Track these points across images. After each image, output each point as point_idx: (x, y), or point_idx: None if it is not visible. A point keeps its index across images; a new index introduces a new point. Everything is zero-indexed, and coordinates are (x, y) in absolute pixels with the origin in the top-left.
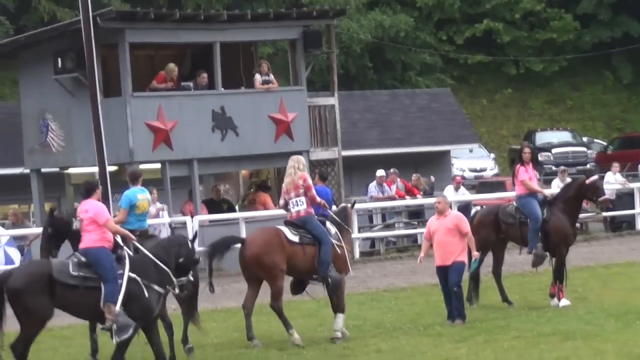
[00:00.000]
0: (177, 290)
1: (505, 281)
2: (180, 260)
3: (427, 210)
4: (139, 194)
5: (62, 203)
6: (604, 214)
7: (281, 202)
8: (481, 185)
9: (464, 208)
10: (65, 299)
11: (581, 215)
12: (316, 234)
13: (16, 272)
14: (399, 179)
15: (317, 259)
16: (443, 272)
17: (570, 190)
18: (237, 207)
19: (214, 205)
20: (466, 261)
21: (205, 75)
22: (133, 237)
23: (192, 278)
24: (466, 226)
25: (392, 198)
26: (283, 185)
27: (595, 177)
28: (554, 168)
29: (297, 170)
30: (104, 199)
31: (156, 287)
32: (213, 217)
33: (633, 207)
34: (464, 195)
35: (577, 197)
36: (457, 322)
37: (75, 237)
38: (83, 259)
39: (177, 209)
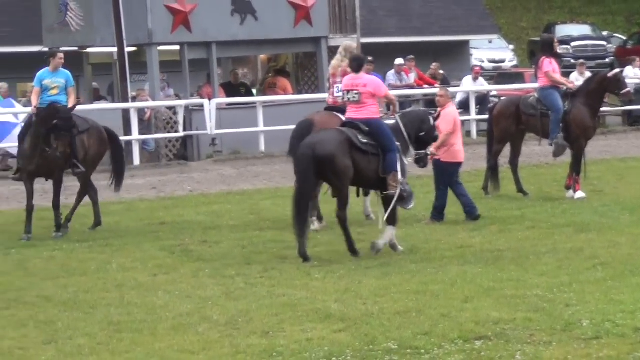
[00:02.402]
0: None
1: (521, 172)
2: (421, 134)
3: None
4: None
5: (80, 82)
6: (625, 107)
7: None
8: (500, 76)
9: (482, 98)
10: (357, 165)
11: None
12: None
13: (319, 140)
14: (414, 69)
15: None
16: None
17: (592, 83)
18: (254, 91)
19: (232, 88)
20: (454, 160)
21: None
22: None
23: (429, 152)
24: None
25: (410, 86)
26: (330, 68)
27: (617, 70)
28: (572, 61)
29: (344, 58)
30: (122, 79)
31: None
32: (231, 100)
33: None
34: (482, 85)
35: (598, 91)
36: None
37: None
38: (366, 128)
39: (194, 91)
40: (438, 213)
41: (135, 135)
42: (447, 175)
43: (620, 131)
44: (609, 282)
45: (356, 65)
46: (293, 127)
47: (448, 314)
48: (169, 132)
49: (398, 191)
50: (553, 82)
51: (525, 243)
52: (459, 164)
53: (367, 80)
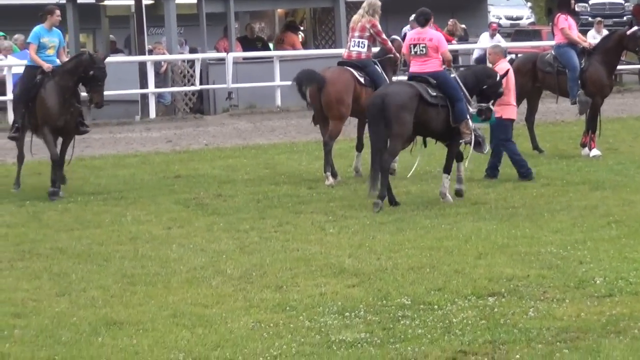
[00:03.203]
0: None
1: (537, 129)
2: (484, 87)
3: (462, 55)
4: None
5: (97, 35)
6: None
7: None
8: (517, 33)
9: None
10: (425, 117)
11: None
12: (376, 80)
13: (391, 91)
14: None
15: None
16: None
17: (610, 41)
18: (271, 46)
19: (249, 43)
20: (509, 117)
21: None
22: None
23: (491, 107)
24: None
25: None
26: (351, 22)
27: (636, 28)
28: (590, 19)
29: (366, 14)
30: (139, 33)
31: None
32: (248, 54)
33: None
34: (500, 42)
35: (616, 49)
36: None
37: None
38: (434, 81)
39: (211, 45)
40: (522, 168)
41: (151, 88)
42: (508, 132)
43: (636, 89)
44: (623, 240)
45: (423, 19)
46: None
47: (461, 270)
48: (185, 85)
49: (473, 137)
50: (568, 40)
51: (539, 200)
52: (512, 121)
53: (433, 34)
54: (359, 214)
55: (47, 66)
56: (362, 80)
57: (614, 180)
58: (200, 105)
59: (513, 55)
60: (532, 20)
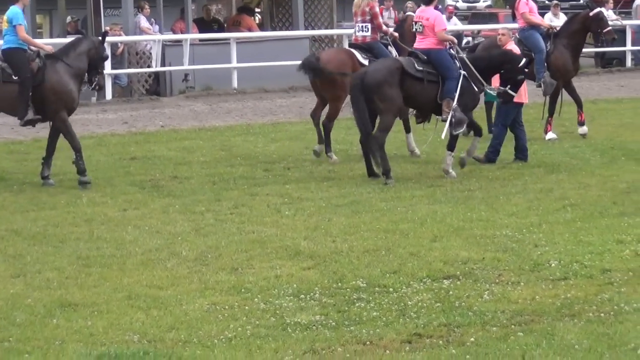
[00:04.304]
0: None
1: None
2: (502, 72)
3: None
4: None
5: (54, 16)
6: (602, 49)
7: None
8: (473, 16)
9: (456, 38)
10: (411, 90)
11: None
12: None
13: (371, 69)
14: (391, 9)
15: None
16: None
17: (574, 24)
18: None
19: (205, 24)
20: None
21: None
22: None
23: (509, 91)
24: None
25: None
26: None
27: (599, 9)
28: (547, 2)
29: None
30: (96, 14)
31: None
32: (204, 36)
33: (624, 45)
34: (456, 25)
35: (580, 31)
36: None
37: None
38: (424, 57)
39: (168, 26)
40: (492, 153)
41: (107, 69)
42: (508, 116)
43: (592, 73)
44: (578, 223)
45: None
46: (265, 64)
47: (417, 253)
48: (141, 67)
49: (449, 116)
50: (529, 24)
51: (495, 183)
52: (521, 105)
53: (431, 14)
54: (314, 196)
55: (49, 48)
56: (364, 61)
57: (569, 164)
58: (156, 86)
59: (470, 39)
60: (488, 3)
